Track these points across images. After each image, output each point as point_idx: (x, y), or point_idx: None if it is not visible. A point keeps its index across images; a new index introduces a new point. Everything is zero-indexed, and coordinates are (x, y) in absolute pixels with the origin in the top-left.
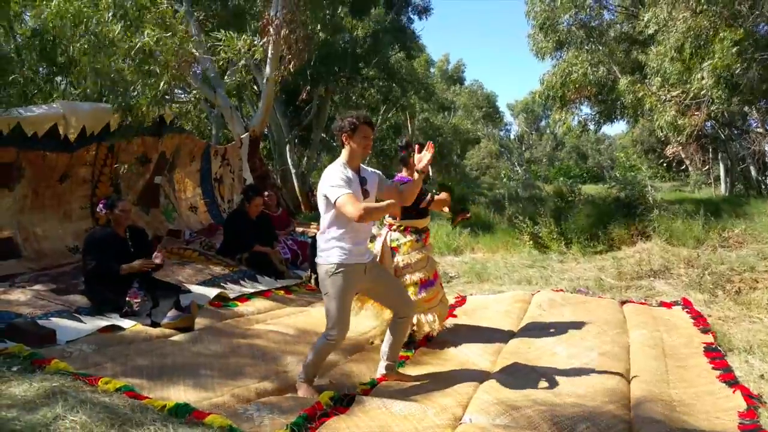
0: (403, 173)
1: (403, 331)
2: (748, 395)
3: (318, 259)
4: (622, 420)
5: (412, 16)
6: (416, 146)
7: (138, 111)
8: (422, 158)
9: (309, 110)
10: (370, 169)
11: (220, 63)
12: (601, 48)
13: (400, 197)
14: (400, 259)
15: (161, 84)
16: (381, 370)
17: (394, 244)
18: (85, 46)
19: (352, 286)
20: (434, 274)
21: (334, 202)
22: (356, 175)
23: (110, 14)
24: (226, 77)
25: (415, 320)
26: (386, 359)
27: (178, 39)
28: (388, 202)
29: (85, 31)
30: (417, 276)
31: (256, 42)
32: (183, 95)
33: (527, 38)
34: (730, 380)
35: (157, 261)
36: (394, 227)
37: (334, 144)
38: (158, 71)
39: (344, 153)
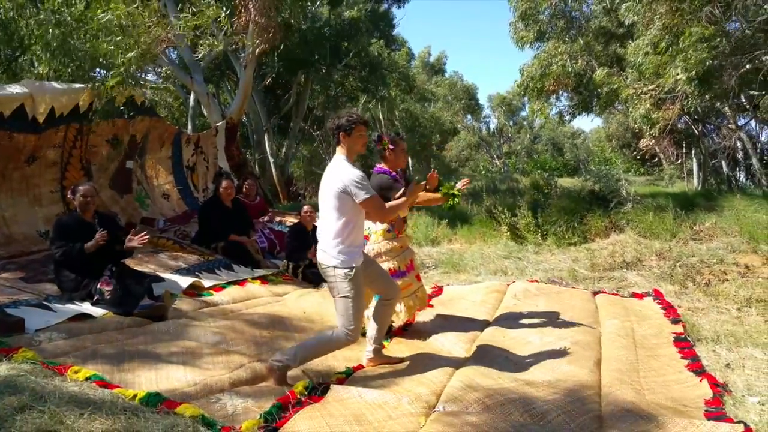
0: (382, 165)
1: (387, 314)
2: (714, 384)
3: (331, 261)
4: (592, 408)
5: (388, 3)
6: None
7: (107, 90)
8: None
9: (288, 99)
10: None
11: (189, 26)
12: (581, 39)
13: None
14: (370, 248)
15: (129, 57)
16: (368, 354)
17: (365, 233)
18: (41, 24)
19: (363, 284)
20: (407, 266)
21: (363, 201)
22: None
23: None
24: (200, 51)
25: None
26: (372, 343)
27: (149, 12)
28: (403, 199)
29: (43, 8)
30: (387, 265)
31: (222, 14)
32: (157, 80)
33: (509, 26)
34: (698, 369)
35: (132, 243)
36: None
37: (314, 133)
38: (127, 45)
39: (342, 150)
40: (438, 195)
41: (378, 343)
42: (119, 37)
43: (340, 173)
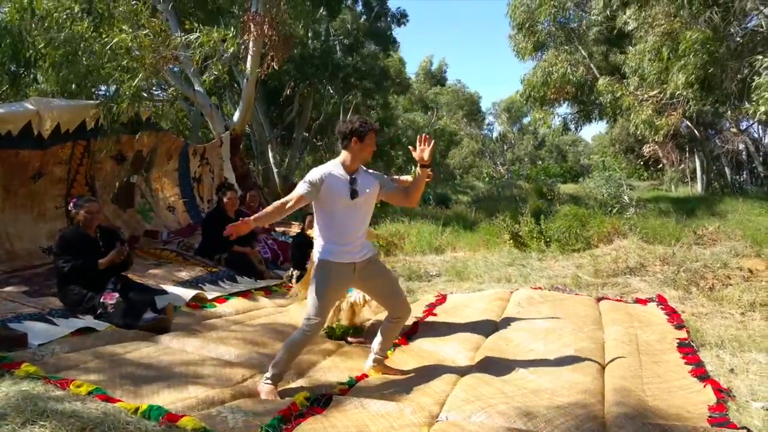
0: None
1: (393, 331)
2: (718, 389)
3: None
4: (596, 415)
5: (391, 24)
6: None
7: (118, 109)
8: (424, 150)
9: (291, 109)
10: (372, 171)
11: (197, 58)
12: (580, 48)
13: (406, 199)
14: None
15: (136, 80)
16: (369, 363)
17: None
18: (51, 41)
19: (336, 284)
20: None
21: None
22: (347, 175)
23: (76, 8)
24: (204, 76)
25: (347, 304)
26: (375, 353)
27: (154, 35)
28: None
29: (51, 26)
30: None
31: (231, 34)
32: (160, 93)
33: (509, 39)
34: (702, 375)
35: (122, 255)
36: None
37: (317, 143)
38: (135, 67)
39: (345, 154)
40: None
41: (380, 354)
42: (125, 61)
43: None
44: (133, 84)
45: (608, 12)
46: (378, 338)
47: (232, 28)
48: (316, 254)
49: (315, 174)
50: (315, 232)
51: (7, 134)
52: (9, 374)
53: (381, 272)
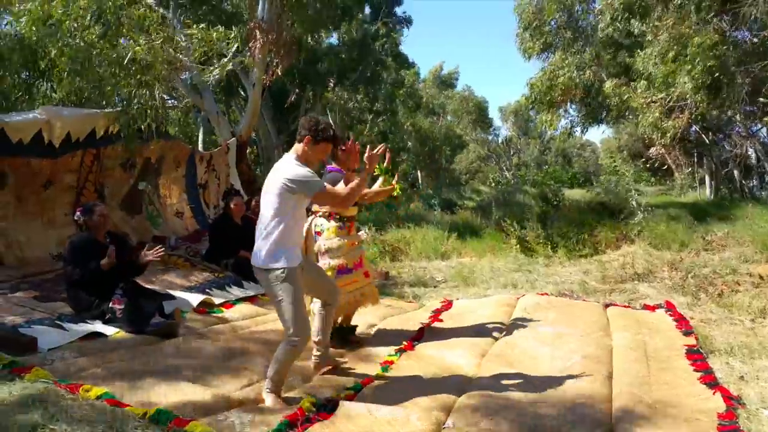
0: (334, 164)
1: (328, 319)
2: (727, 396)
3: (261, 265)
4: (604, 422)
5: (397, 27)
6: (352, 144)
7: (141, 122)
8: (372, 159)
9: (297, 115)
10: None
11: (197, 55)
12: (587, 49)
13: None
14: (321, 243)
15: (157, 95)
16: (314, 359)
17: (318, 229)
18: (63, 50)
19: (301, 287)
20: (356, 263)
21: (318, 194)
22: None
23: (88, 17)
24: (208, 74)
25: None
26: (317, 349)
27: (167, 45)
28: (358, 180)
29: (63, 35)
30: (335, 262)
31: (231, 35)
32: (171, 101)
33: (515, 37)
34: (711, 382)
35: (148, 258)
36: (320, 213)
37: None
38: (150, 82)
39: (297, 152)
40: (384, 188)
41: (322, 348)
42: (138, 75)
43: (286, 171)
44: (155, 100)
45: (616, 25)
46: (316, 326)
47: (233, 28)
48: (274, 263)
49: (307, 169)
50: (265, 241)
51: (19, 142)
52: (19, 378)
53: (313, 265)
